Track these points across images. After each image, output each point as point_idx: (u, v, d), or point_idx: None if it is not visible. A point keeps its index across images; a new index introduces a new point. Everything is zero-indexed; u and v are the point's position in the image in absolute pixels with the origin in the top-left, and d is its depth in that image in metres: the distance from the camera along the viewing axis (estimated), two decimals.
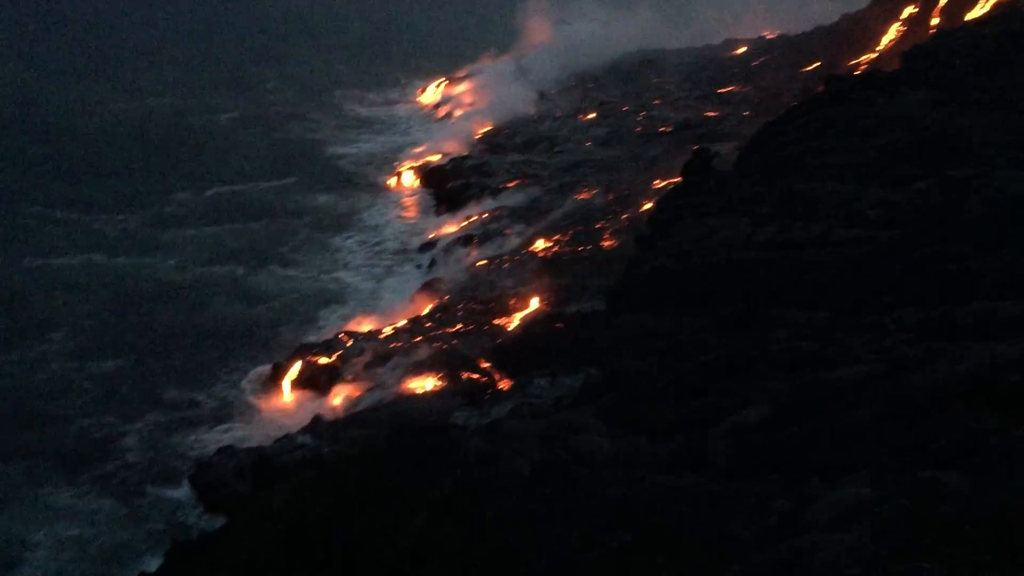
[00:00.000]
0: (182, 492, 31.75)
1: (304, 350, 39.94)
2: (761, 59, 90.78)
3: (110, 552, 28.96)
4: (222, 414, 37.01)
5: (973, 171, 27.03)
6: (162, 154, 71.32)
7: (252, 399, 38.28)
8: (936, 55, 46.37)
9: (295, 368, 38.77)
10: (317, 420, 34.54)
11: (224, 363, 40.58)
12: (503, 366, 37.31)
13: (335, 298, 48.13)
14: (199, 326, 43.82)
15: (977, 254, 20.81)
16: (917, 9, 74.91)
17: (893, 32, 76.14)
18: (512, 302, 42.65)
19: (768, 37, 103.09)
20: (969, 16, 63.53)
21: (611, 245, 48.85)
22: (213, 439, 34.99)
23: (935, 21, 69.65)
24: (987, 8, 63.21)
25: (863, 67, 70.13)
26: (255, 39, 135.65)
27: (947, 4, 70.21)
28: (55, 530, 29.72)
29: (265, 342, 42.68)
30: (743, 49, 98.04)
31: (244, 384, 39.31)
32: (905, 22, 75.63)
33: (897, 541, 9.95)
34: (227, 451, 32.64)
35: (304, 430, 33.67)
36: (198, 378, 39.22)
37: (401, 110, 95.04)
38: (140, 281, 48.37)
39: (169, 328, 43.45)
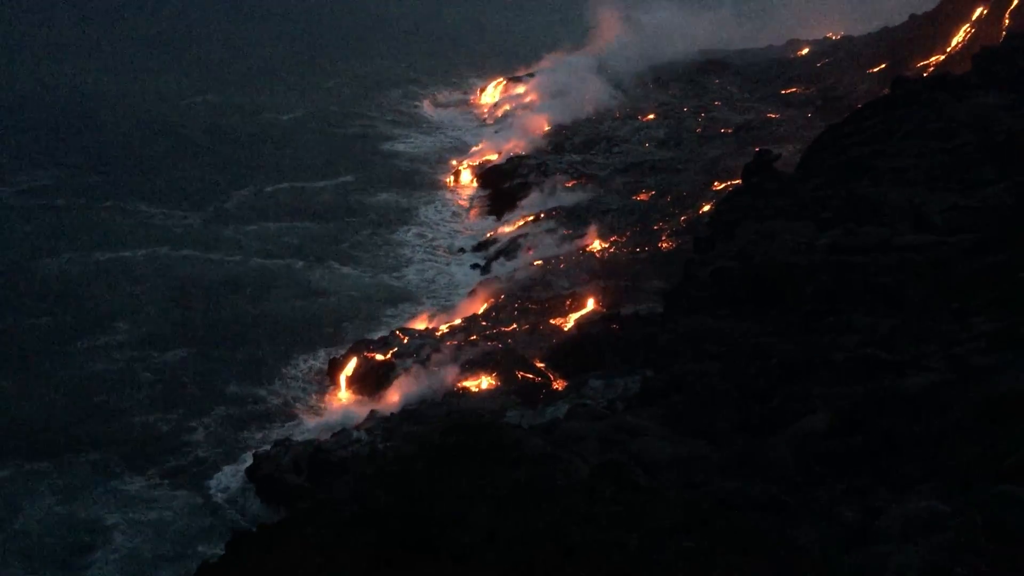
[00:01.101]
0: (241, 483, 32.22)
1: (360, 346, 40.28)
2: (825, 60, 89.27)
3: (178, 539, 29.63)
4: (282, 408, 37.52)
5: None
6: (225, 151, 72.62)
7: (310, 393, 38.75)
8: (1008, 57, 45.18)
9: (351, 364, 39.14)
10: (373, 415, 34.84)
11: (284, 357, 41.12)
12: (558, 366, 37.27)
13: (392, 295, 48.48)
14: (260, 320, 44.49)
15: None
16: (988, 10, 72.99)
17: (962, 34, 74.31)
18: (568, 302, 42.56)
19: (833, 38, 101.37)
20: None
21: (669, 247, 48.48)
22: (272, 433, 35.48)
23: (1007, 23, 67.83)
24: None
25: (931, 69, 68.66)
26: (316, 39, 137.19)
27: (1019, 5, 68.35)
28: (129, 515, 30.49)
29: (324, 337, 43.15)
30: (807, 50, 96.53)
31: (302, 379, 39.81)
32: (975, 23, 73.73)
33: (971, 555, 9.68)
34: (283, 444, 33.07)
35: (360, 425, 33.99)
36: (259, 372, 39.79)
37: (460, 109, 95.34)
38: (203, 275, 49.28)
39: (231, 322, 44.20)
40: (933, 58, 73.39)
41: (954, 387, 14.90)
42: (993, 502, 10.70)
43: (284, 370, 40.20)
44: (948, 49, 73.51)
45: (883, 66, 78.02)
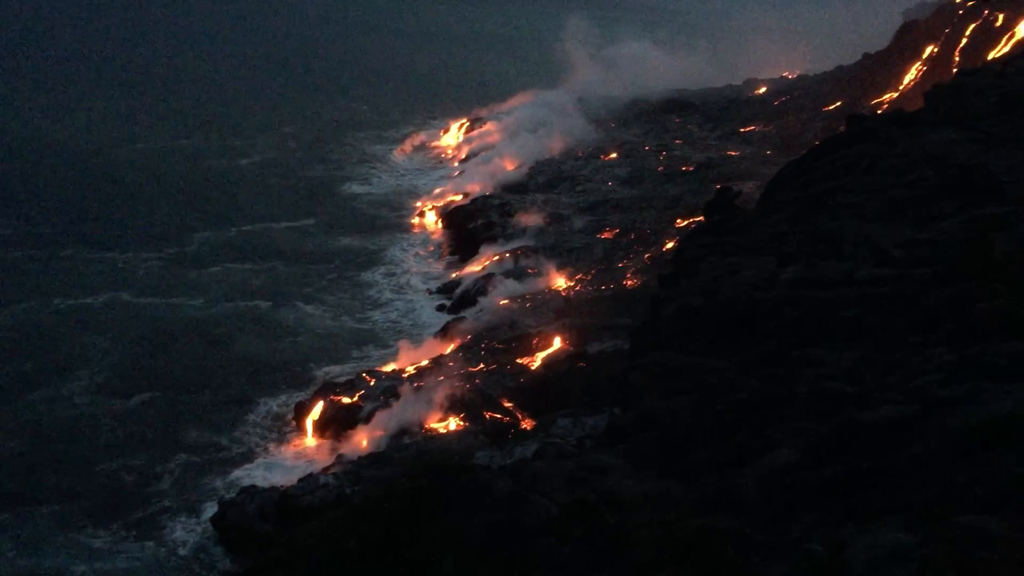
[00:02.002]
0: (207, 532, 31.66)
1: (327, 389, 39.98)
2: (782, 99, 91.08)
3: None
4: (246, 454, 37.08)
5: (1000, 209, 26.86)
6: (184, 195, 72.24)
7: (276, 438, 38.30)
8: (959, 94, 46.34)
9: (318, 408, 38.80)
10: (340, 459, 34.49)
11: (249, 402, 40.72)
12: (526, 406, 37.22)
13: (359, 337, 48.25)
14: (224, 364, 44.05)
15: (1007, 293, 20.56)
16: (938, 48, 75.05)
17: (914, 71, 76.27)
18: (535, 341, 42.61)
19: (789, 77, 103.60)
20: (991, 55, 63.59)
21: (634, 284, 48.84)
22: (237, 479, 34.97)
23: (957, 60, 69.74)
24: (1008, 47, 63.28)
25: (885, 106, 70.25)
26: (275, 82, 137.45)
27: (968, 43, 70.36)
28: (96, 565, 29.85)
29: (289, 381, 42.81)
30: (764, 89, 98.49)
31: (268, 423, 39.37)
32: (926, 61, 75.75)
33: None
34: (249, 491, 32.59)
35: (327, 470, 33.62)
36: (224, 418, 39.35)
37: (424, 150, 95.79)
38: (166, 319, 48.78)
39: (195, 367, 43.72)
40: (887, 95, 75.18)
41: (917, 419, 15.07)
42: (958, 533, 10.79)
43: (249, 415, 39.76)
44: (901, 87, 75.38)
45: (838, 104, 79.77)
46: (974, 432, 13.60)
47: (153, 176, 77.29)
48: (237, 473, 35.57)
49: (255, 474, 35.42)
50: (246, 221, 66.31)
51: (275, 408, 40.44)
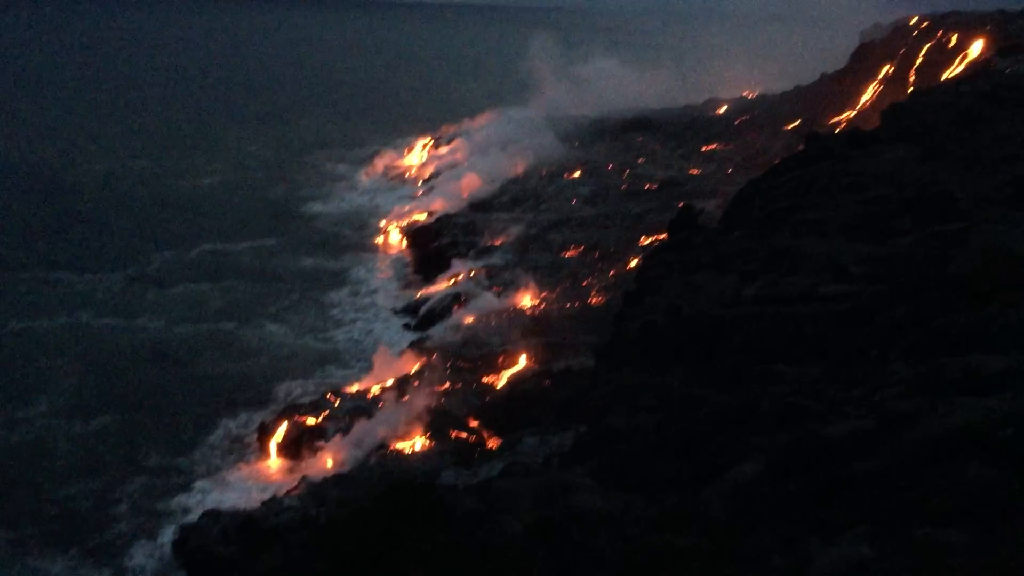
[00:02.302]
0: (168, 557, 31.13)
1: (291, 410, 39.59)
2: (743, 118, 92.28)
3: None
4: (208, 476, 36.52)
5: (956, 226, 27.37)
6: (144, 215, 71.55)
7: (238, 461, 37.82)
8: (915, 113, 47.26)
9: (281, 429, 38.39)
10: (304, 481, 34.11)
11: (210, 423, 40.20)
12: (492, 424, 37.12)
13: (322, 357, 47.89)
14: (186, 386, 43.47)
15: (964, 308, 20.92)
16: (893, 68, 76.54)
17: (871, 91, 77.69)
18: (500, 360, 42.57)
19: (749, 97, 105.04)
20: (945, 75, 64.93)
21: (598, 302, 49.00)
22: (198, 502, 34.44)
23: (912, 80, 71.14)
24: (962, 67, 64.68)
25: (843, 125, 71.43)
26: (239, 101, 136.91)
27: (923, 63, 71.83)
28: None
29: (252, 402, 42.33)
30: (724, 108, 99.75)
31: (229, 445, 38.86)
32: (883, 81, 77.21)
33: None
34: (212, 514, 32.09)
35: (291, 491, 33.23)
36: (184, 439, 38.80)
37: (388, 170, 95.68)
38: (126, 341, 48.09)
39: (155, 388, 43.10)
40: (844, 114, 76.46)
41: (877, 433, 15.25)
42: (917, 546, 10.94)
43: (210, 437, 39.24)
44: (858, 106, 76.71)
45: (798, 123, 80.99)
46: (932, 445, 13.81)
47: (112, 195, 76.53)
48: (199, 496, 35.02)
49: (218, 497, 34.89)
50: (207, 241, 65.73)
51: (237, 429, 39.94)
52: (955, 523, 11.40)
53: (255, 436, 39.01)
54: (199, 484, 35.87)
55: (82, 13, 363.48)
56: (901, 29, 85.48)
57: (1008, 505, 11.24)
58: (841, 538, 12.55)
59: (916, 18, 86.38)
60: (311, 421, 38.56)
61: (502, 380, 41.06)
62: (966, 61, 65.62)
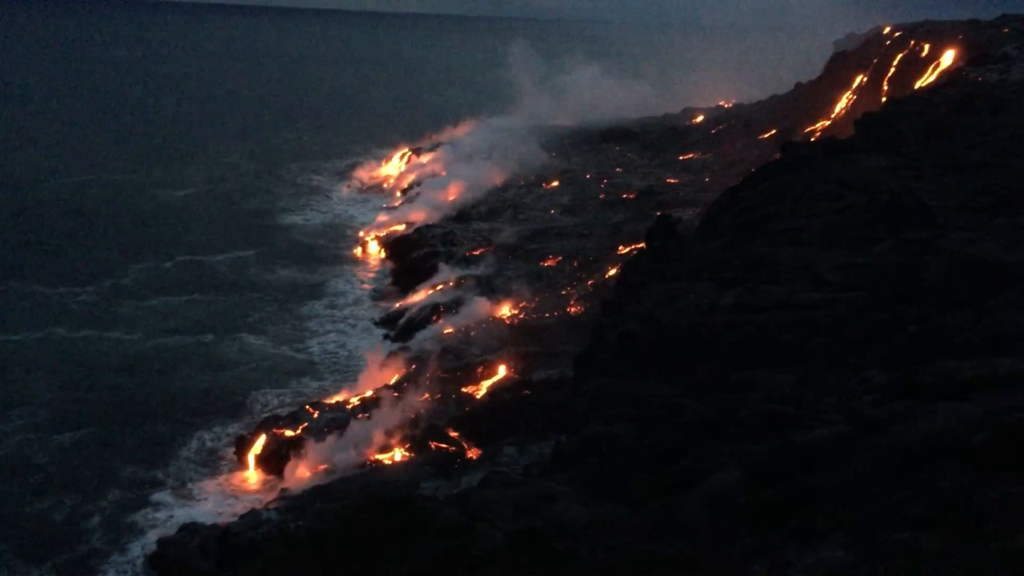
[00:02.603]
0: (144, 571, 30.82)
1: (269, 423, 39.38)
2: (719, 127, 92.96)
3: None
4: (186, 490, 36.22)
5: (930, 233, 27.70)
6: (119, 227, 71.00)
7: (216, 473, 37.55)
8: (888, 122, 47.79)
9: (260, 442, 38.16)
10: (283, 494, 33.92)
11: (188, 436, 39.91)
12: (472, 435, 37.04)
13: (301, 369, 47.67)
14: (163, 399, 43.13)
15: (938, 315, 21.19)
16: (867, 78, 77.35)
17: (845, 100, 78.47)
18: (479, 370, 42.54)
19: (725, 106, 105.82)
20: (918, 84, 65.69)
21: (577, 311, 49.11)
22: (176, 516, 34.13)
23: (886, 89, 71.90)
24: (934, 77, 65.46)
25: (818, 134, 72.07)
26: (218, 112, 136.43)
27: (896, 73, 72.63)
28: None
29: (229, 415, 42.06)
30: (701, 118, 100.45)
31: (207, 458, 38.60)
32: (856, 90, 77.99)
33: None
34: (189, 528, 31.83)
35: (270, 505, 33.01)
36: (160, 452, 38.47)
37: (366, 181, 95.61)
38: (102, 354, 47.68)
39: (131, 401, 42.73)
40: (820, 123, 77.17)
41: (854, 439, 15.40)
42: (895, 550, 11.04)
43: (188, 450, 38.95)
44: (833, 115, 77.46)
45: (773, 132, 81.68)
46: (907, 451, 13.95)
47: (87, 207, 75.95)
48: (176, 510, 34.72)
49: (195, 511, 34.62)
50: (183, 252, 65.34)
51: (215, 443, 39.68)
52: (930, 528, 11.52)
53: (233, 449, 38.75)
54: (177, 498, 35.57)
55: (58, 22, 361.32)
56: (874, 39, 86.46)
57: (981, 510, 11.37)
58: (819, 544, 12.65)
59: (889, 28, 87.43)
60: (290, 433, 38.36)
61: (482, 390, 41.04)
62: (938, 70, 66.43)
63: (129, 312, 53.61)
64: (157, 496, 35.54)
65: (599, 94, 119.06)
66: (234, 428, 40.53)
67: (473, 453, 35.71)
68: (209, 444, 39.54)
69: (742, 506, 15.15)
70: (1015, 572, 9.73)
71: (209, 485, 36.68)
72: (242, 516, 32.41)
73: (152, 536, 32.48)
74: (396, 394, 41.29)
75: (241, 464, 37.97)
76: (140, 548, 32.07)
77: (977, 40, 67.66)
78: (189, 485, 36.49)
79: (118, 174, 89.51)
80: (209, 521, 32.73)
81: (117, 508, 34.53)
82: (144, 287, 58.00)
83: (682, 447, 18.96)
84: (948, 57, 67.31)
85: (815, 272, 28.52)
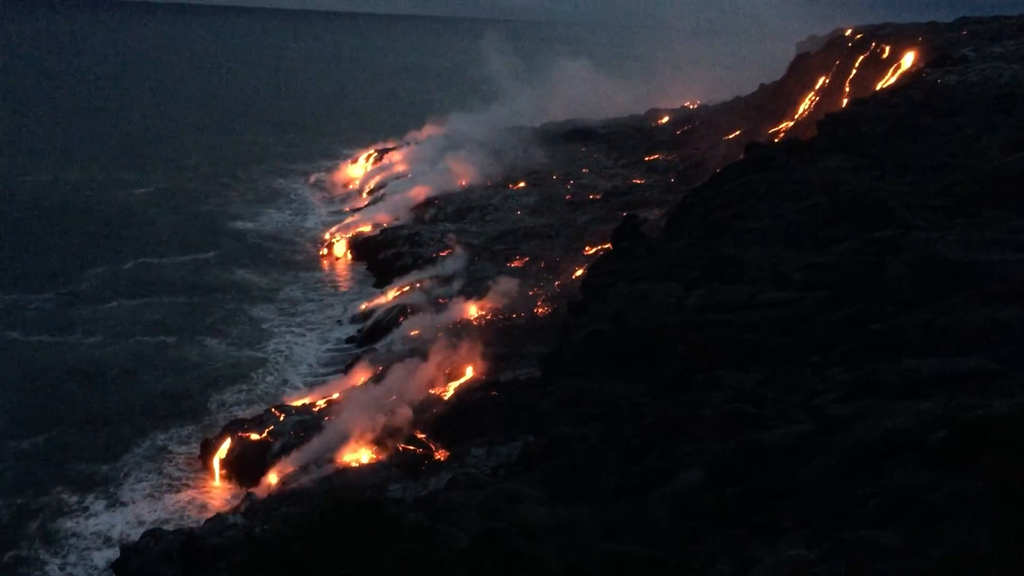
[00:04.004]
0: None
1: (234, 426, 38.97)
2: (685, 128, 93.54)
3: None
4: (149, 495, 35.68)
5: (891, 233, 28.03)
6: (77, 229, 69.74)
7: (180, 478, 37.09)
8: (850, 122, 48.34)
9: (225, 445, 37.75)
10: (249, 498, 33.60)
11: (148, 440, 39.27)
12: (439, 436, 36.94)
13: (266, 371, 47.20)
14: (121, 402, 42.45)
15: (899, 313, 21.45)
16: (829, 79, 78.19)
17: (808, 101, 79.26)
18: (447, 371, 42.41)
19: (690, 107, 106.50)
20: (879, 85, 66.49)
21: (544, 312, 49.17)
22: (139, 522, 33.66)
23: (847, 90, 72.73)
24: (895, 78, 66.30)
25: (782, 135, 72.73)
26: (181, 113, 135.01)
27: (858, 75, 73.49)
28: None
29: (192, 418, 41.55)
30: (667, 119, 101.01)
31: (170, 462, 38.11)
32: (819, 92, 78.81)
33: None
34: (153, 534, 31.40)
35: (235, 509, 32.67)
36: (121, 456, 37.82)
37: (332, 181, 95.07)
38: (59, 358, 46.84)
39: (90, 405, 42.00)
40: (783, 124, 77.90)
41: (816, 437, 15.55)
42: (855, 547, 11.16)
43: (148, 453, 38.35)
44: (796, 116, 78.22)
45: (738, 132, 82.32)
46: (867, 449, 14.11)
47: (44, 209, 74.61)
48: (140, 515, 34.26)
49: (159, 516, 34.20)
50: (141, 255, 64.16)
51: (177, 446, 39.17)
52: (889, 525, 11.66)
53: (199, 453, 38.32)
54: (138, 503, 35.07)
55: (17, 22, 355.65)
56: (836, 41, 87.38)
57: (938, 506, 11.53)
58: (781, 541, 12.76)
59: (850, 30, 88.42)
60: (255, 437, 38.01)
61: (449, 391, 40.93)
62: (899, 72, 67.30)
63: (87, 315, 52.73)
64: (121, 501, 35.02)
65: (564, 94, 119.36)
66: (193, 430, 40.07)
67: (441, 455, 35.60)
68: (171, 448, 39.02)
69: (706, 505, 15.25)
70: (971, 567, 9.87)
71: (173, 490, 36.22)
72: (207, 521, 32.02)
73: (115, 542, 32.01)
74: (363, 396, 41.07)
75: (206, 468, 37.55)
76: (104, 556, 31.60)
77: (936, 42, 68.63)
78: (150, 489, 35.97)
79: (76, 174, 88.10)
80: (173, 527, 32.34)
81: (78, 514, 33.96)
82: (102, 289, 57.05)
83: (647, 446, 19.04)
84: (908, 59, 68.22)
85: (779, 271, 28.79)
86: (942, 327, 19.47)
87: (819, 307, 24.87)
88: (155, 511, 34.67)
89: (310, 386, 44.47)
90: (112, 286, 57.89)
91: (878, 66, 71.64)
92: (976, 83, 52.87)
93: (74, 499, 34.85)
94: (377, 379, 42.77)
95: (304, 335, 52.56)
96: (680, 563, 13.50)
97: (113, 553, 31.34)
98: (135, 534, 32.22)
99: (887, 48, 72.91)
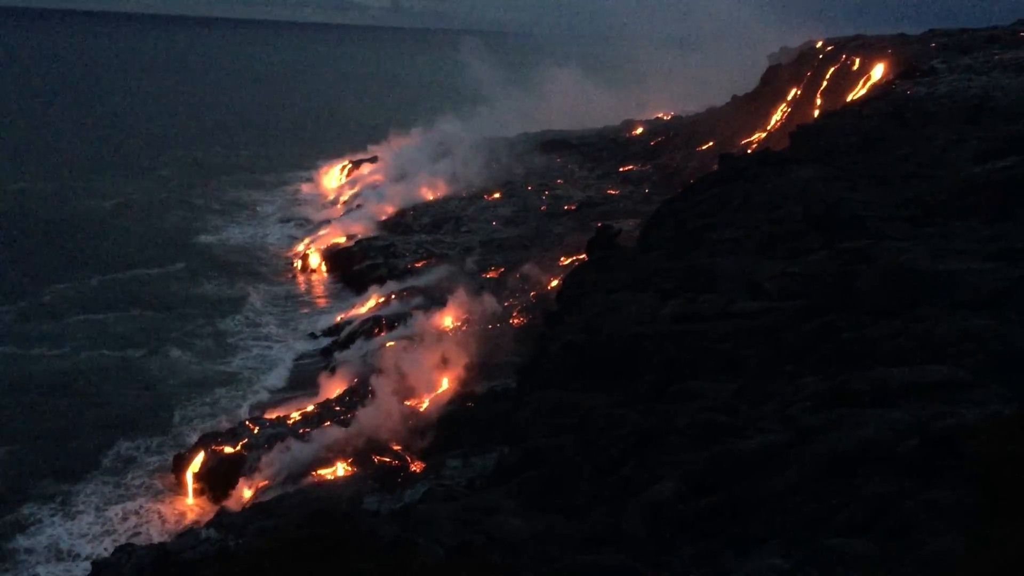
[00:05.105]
0: None
1: (208, 439, 38.65)
2: (658, 139, 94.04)
3: None
4: (120, 511, 35.22)
5: (862, 243, 28.32)
6: (41, 241, 68.71)
7: (152, 493, 36.69)
8: (821, 133, 48.86)
9: (198, 459, 37.42)
10: (223, 512, 33.30)
11: (116, 453, 38.73)
12: (415, 448, 36.86)
13: (239, 384, 46.81)
14: (87, 415, 41.79)
15: (870, 323, 21.64)
16: (801, 91, 79.00)
17: (780, 113, 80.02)
18: (423, 383, 42.31)
19: (664, 118, 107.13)
20: (850, 97, 67.26)
21: (520, 322, 49.20)
22: (110, 537, 33.26)
23: (819, 102, 73.50)
24: (865, 90, 67.07)
25: (754, 146, 73.34)
26: (151, 124, 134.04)
27: (829, 86, 74.29)
28: None
29: (162, 431, 41.06)
30: (640, 130, 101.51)
31: (142, 477, 37.66)
32: (791, 103, 79.60)
33: None
34: (125, 549, 31.00)
35: (209, 523, 32.36)
36: (87, 471, 37.18)
37: (306, 193, 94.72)
38: (22, 371, 46.03)
39: (54, 418, 41.30)
40: (755, 135, 78.57)
41: (789, 446, 15.65)
42: (829, 556, 11.24)
43: (115, 467, 37.83)
44: (768, 127, 78.94)
45: (711, 143, 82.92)
46: (840, 458, 14.22)
47: (8, 221, 73.50)
48: (111, 531, 33.84)
49: (131, 531, 33.80)
50: (108, 268, 63.04)
51: (151, 460, 38.73)
52: (861, 534, 11.75)
53: (171, 467, 37.94)
54: (110, 518, 34.64)
55: None
56: (807, 53, 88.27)
57: (910, 515, 11.64)
58: (756, 551, 12.82)
59: (821, 42, 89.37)
60: (229, 450, 37.72)
61: (425, 403, 40.84)
62: (869, 83, 68.08)
63: (51, 328, 51.87)
64: (91, 516, 34.57)
65: (543, 105, 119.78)
66: (159, 442, 39.62)
67: (417, 466, 35.50)
68: (139, 460, 38.52)
69: (681, 515, 15.29)
70: (943, 575, 9.97)
71: (143, 504, 35.80)
72: (180, 535, 31.69)
73: (86, 559, 31.59)
74: (338, 408, 40.91)
75: (179, 482, 37.19)
76: (70, 572, 31.15)
77: (906, 54, 69.51)
78: (117, 504, 35.51)
79: (43, 184, 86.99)
80: (145, 541, 31.98)
81: (44, 531, 33.45)
82: (67, 302, 56.13)
83: (623, 457, 19.07)
84: (878, 71, 69.04)
85: (753, 281, 28.97)
86: (912, 336, 19.67)
87: (792, 317, 25.03)
88: (126, 525, 34.26)
89: (283, 399, 44.16)
90: (77, 298, 57.02)
91: (849, 78, 72.45)
92: (945, 95, 53.58)
93: (35, 514, 34.32)
94: (351, 392, 42.62)
95: (275, 348, 52.11)
96: (655, 574, 13.54)
97: (82, 569, 30.93)
98: (102, 550, 31.82)
99: (857, 60, 73.77)
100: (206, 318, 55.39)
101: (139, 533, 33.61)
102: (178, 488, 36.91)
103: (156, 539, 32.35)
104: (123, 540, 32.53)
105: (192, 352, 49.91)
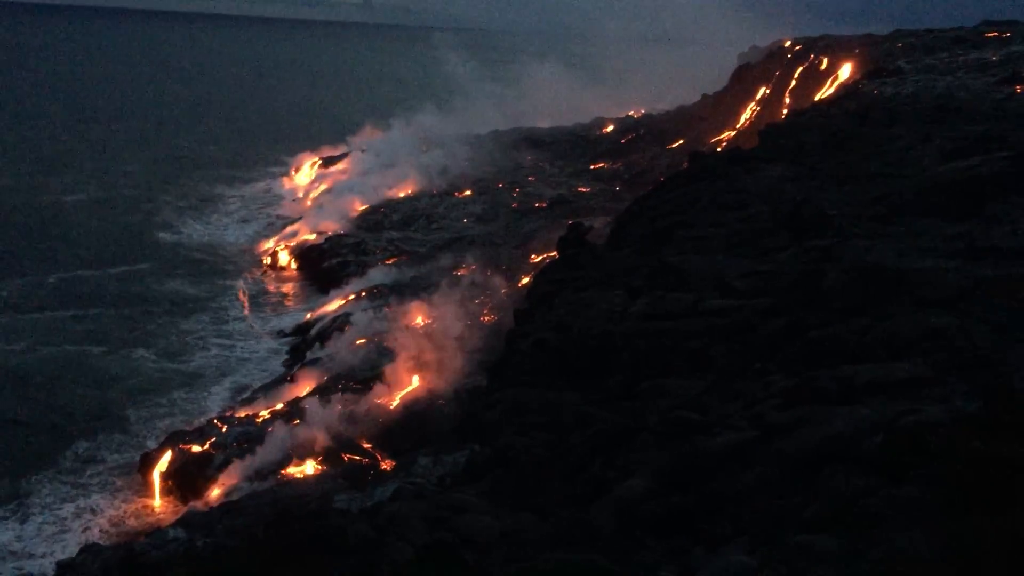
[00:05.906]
0: None
1: (175, 438, 38.27)
2: (629, 136, 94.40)
3: None
4: (85, 511, 34.76)
5: (829, 241, 28.61)
6: (2, 236, 67.54)
7: (117, 491, 36.27)
8: (790, 132, 49.29)
9: (165, 458, 37.03)
10: (191, 511, 33.00)
11: (75, 452, 38.16)
12: (385, 446, 36.76)
13: (207, 383, 46.38)
14: (46, 412, 41.17)
15: (837, 320, 21.85)
16: (770, 90, 79.66)
17: (749, 111, 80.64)
18: (393, 380, 42.18)
19: (635, 116, 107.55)
20: (818, 96, 67.93)
21: (490, 320, 49.17)
22: (75, 537, 32.82)
23: (787, 101, 74.16)
24: (833, 89, 67.78)
25: (724, 144, 73.85)
26: (117, 118, 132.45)
27: (797, 85, 74.98)
28: None
29: (125, 429, 40.53)
30: (611, 127, 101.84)
31: (99, 475, 37.16)
32: (760, 102, 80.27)
33: None
34: (91, 549, 30.65)
35: (177, 523, 32.04)
36: (45, 469, 36.58)
37: (275, 189, 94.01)
38: None
39: (10, 415, 40.70)
40: (725, 134, 79.14)
41: (757, 444, 15.77)
42: (794, 553, 11.35)
43: (74, 467, 37.27)
44: (738, 125, 79.53)
45: (681, 142, 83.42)
46: (807, 455, 14.36)
47: None
48: (77, 531, 33.41)
49: (97, 531, 33.40)
50: (69, 265, 61.71)
51: (108, 456, 38.22)
52: (827, 530, 11.88)
53: (138, 466, 37.53)
54: (75, 518, 34.18)
55: None
56: (776, 52, 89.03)
57: (875, 511, 11.78)
58: (724, 548, 12.92)
59: (790, 42, 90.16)
60: (197, 449, 37.37)
61: (395, 401, 40.71)
62: (837, 83, 68.82)
63: (9, 323, 50.89)
64: (53, 517, 34.09)
65: (512, 103, 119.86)
66: (120, 441, 39.13)
67: (387, 464, 35.41)
68: (100, 458, 38.01)
69: (651, 513, 15.37)
70: (906, 570, 10.10)
71: (102, 503, 35.33)
72: (147, 535, 31.34)
73: (50, 560, 31.17)
74: (307, 407, 40.65)
75: (145, 481, 36.80)
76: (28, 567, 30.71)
77: (873, 54, 70.35)
78: (90, 504, 35.10)
79: (5, 179, 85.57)
80: (111, 542, 31.62)
81: (10, 531, 32.99)
82: (27, 298, 55.07)
83: (593, 455, 19.13)
84: (846, 70, 69.80)
85: (722, 279, 29.15)
86: (878, 334, 19.89)
87: (761, 314, 25.22)
88: (91, 525, 33.83)
89: (251, 398, 43.83)
90: (38, 295, 55.99)
91: (816, 77, 73.19)
92: (911, 94, 54.27)
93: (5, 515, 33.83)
94: (320, 391, 42.38)
95: (246, 346, 51.73)
96: (624, 571, 13.59)
97: (39, 569, 30.50)
98: (60, 550, 31.40)
99: (825, 60, 74.54)
100: (169, 317, 54.61)
101: (103, 533, 33.19)
102: (142, 487, 36.49)
103: (120, 539, 31.95)
104: (83, 541, 32.09)
105: (155, 351, 49.17)
